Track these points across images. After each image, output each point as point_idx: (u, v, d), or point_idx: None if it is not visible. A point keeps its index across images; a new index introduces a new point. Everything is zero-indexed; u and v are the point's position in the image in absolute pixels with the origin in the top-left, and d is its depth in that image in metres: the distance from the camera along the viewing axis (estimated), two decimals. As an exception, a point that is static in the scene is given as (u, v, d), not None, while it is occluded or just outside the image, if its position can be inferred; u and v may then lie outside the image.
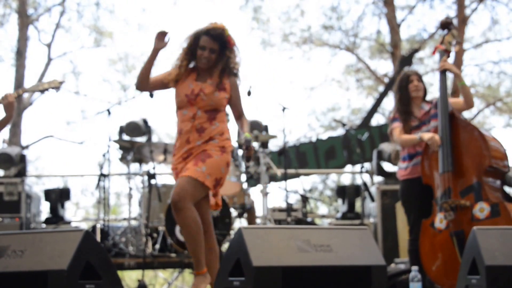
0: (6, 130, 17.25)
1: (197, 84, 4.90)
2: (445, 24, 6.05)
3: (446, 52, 5.95)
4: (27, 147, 18.83)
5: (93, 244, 3.74)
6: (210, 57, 4.89)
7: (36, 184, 17.44)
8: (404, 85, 5.97)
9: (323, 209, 19.96)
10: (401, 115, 5.91)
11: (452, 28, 6.02)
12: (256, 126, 8.32)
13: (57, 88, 5.29)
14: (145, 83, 4.95)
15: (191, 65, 5.04)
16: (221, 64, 4.92)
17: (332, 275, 3.66)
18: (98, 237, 7.32)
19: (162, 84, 5.01)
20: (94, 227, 7.61)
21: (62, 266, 3.46)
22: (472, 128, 5.67)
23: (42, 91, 5.28)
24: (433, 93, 15.22)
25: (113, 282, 3.82)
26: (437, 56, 6.02)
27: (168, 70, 5.02)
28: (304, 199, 8.39)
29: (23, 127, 18.30)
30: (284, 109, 7.25)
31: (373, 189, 8.85)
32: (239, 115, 5.03)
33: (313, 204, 19.41)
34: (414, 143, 5.83)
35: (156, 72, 5.06)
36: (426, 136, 5.66)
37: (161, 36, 4.89)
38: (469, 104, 5.84)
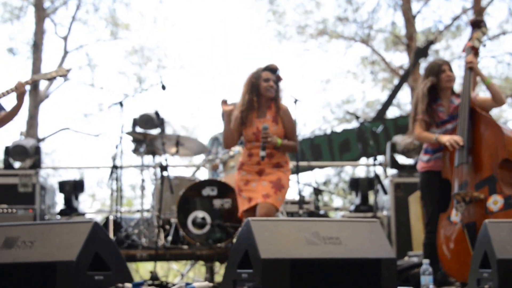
0: (23, 122, 17.44)
1: (259, 121, 5.81)
2: (476, 23, 5.99)
3: (473, 49, 5.89)
4: (43, 139, 18.92)
5: (102, 236, 3.76)
6: (274, 86, 5.82)
7: (53, 176, 17.52)
8: (435, 74, 5.82)
9: (338, 202, 19.93)
10: (425, 106, 5.80)
11: (482, 26, 5.96)
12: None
13: (64, 76, 5.37)
14: (232, 142, 5.95)
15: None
16: (277, 97, 5.87)
17: (341, 268, 3.64)
18: (111, 229, 7.33)
19: (240, 132, 5.91)
20: (107, 219, 7.63)
21: (71, 257, 3.48)
22: (491, 122, 5.63)
23: (50, 79, 5.34)
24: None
25: (122, 274, 3.83)
26: (466, 54, 5.95)
27: (235, 118, 5.88)
28: (317, 192, 8.36)
29: (40, 120, 18.38)
30: (296, 101, 7.21)
31: (386, 182, 8.82)
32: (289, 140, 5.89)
33: (328, 197, 19.41)
34: (430, 142, 5.78)
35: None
36: (444, 139, 5.61)
37: (224, 103, 5.89)
38: (498, 102, 5.73)
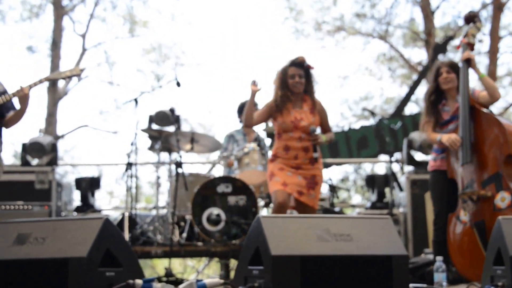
0: (42, 119, 17.53)
1: (296, 112, 6.00)
2: (469, 18, 5.99)
3: (468, 46, 5.90)
4: (62, 136, 19.02)
5: (113, 232, 3.76)
6: (301, 81, 6.00)
7: (72, 173, 17.61)
8: (435, 78, 5.95)
9: (356, 199, 19.88)
10: (429, 108, 5.88)
11: (477, 21, 5.95)
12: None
13: (78, 75, 5.37)
14: (251, 120, 6.10)
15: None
16: (310, 88, 6.07)
17: (352, 265, 3.62)
18: (126, 226, 7.35)
19: (268, 115, 6.12)
20: (123, 216, 7.66)
21: (82, 254, 3.48)
22: (492, 119, 5.62)
23: (64, 79, 5.35)
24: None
25: (133, 270, 3.83)
26: (461, 50, 5.96)
27: (267, 104, 6.12)
28: (332, 189, 8.34)
29: (59, 117, 18.48)
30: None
31: (403, 179, 8.78)
32: (325, 131, 6.17)
33: (347, 194, 19.36)
34: (434, 142, 5.86)
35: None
36: (445, 138, 5.66)
37: (254, 83, 6.03)
38: (493, 97, 5.71)
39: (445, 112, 5.86)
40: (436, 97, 5.93)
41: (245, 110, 6.10)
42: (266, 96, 6.27)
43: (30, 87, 5.13)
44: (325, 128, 6.17)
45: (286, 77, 6.02)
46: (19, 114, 5.22)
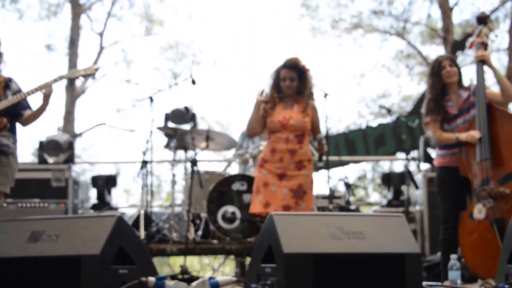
0: (60, 117, 17.63)
1: (286, 112, 5.85)
2: (482, 19, 5.96)
3: (483, 45, 5.86)
4: (80, 134, 19.11)
5: (126, 230, 3.78)
6: (291, 85, 5.86)
7: (90, 171, 17.70)
8: (436, 72, 5.82)
9: (374, 197, 19.83)
10: (434, 106, 5.78)
11: (489, 22, 5.93)
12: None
13: (92, 74, 5.37)
14: (254, 131, 5.98)
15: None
16: (303, 90, 5.87)
17: (365, 263, 3.61)
18: (142, 224, 7.38)
19: (264, 119, 5.91)
20: (139, 214, 7.69)
21: (95, 251, 3.50)
22: (507, 116, 5.61)
23: (78, 78, 5.36)
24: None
25: (146, 268, 3.85)
26: (474, 50, 5.92)
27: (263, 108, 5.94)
28: (348, 186, 8.32)
29: (76, 115, 18.57)
30: (326, 95, 7.19)
31: (419, 176, 8.74)
32: (316, 132, 5.94)
33: (365, 192, 19.31)
34: (451, 143, 5.72)
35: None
36: (463, 136, 5.60)
37: (261, 93, 5.94)
38: (507, 96, 5.68)
39: (449, 107, 5.80)
40: (439, 92, 5.86)
41: (249, 120, 5.99)
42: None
43: (55, 81, 5.16)
44: (316, 131, 5.96)
45: (278, 79, 5.90)
46: (39, 112, 5.26)
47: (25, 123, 5.32)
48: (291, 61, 5.89)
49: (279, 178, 5.78)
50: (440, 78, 5.79)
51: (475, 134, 5.54)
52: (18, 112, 5.25)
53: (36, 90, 5.14)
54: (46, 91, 5.13)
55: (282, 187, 5.75)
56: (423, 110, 5.93)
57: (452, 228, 5.68)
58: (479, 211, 5.51)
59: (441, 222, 5.88)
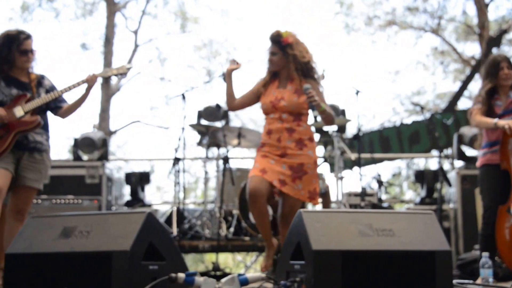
0: (96, 115, 17.79)
1: (279, 91, 5.37)
2: None
3: None
4: (115, 132, 19.27)
5: (156, 226, 3.80)
6: (272, 59, 5.40)
7: (124, 169, 17.84)
8: (494, 72, 5.76)
9: (409, 194, 19.73)
10: (485, 102, 5.73)
11: None
12: (333, 110, 8.24)
13: (124, 74, 5.41)
14: (232, 103, 5.52)
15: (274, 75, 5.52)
16: (293, 65, 5.34)
17: (394, 260, 3.59)
18: (175, 220, 7.43)
19: (255, 96, 5.52)
20: (172, 211, 7.74)
21: (125, 247, 3.52)
22: None
23: (111, 77, 5.41)
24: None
25: (176, 264, 3.87)
26: None
27: (254, 86, 5.56)
28: (380, 184, 8.28)
29: (111, 112, 18.73)
30: (357, 92, 7.16)
31: (453, 174, 8.67)
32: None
33: (399, 189, 19.18)
34: (489, 127, 5.64)
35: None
36: (502, 122, 5.50)
37: (233, 62, 5.51)
38: None
39: (497, 107, 5.75)
40: (490, 92, 5.80)
41: (225, 93, 5.56)
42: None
43: (99, 75, 5.24)
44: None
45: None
46: (79, 103, 5.32)
47: (64, 115, 5.38)
48: (273, 33, 5.42)
49: (280, 156, 5.33)
50: (496, 79, 5.73)
51: None
52: (57, 105, 5.32)
53: (70, 88, 5.21)
54: (92, 82, 5.21)
55: (282, 163, 5.30)
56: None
57: (492, 224, 5.61)
58: None
59: (482, 217, 5.83)
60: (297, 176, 5.28)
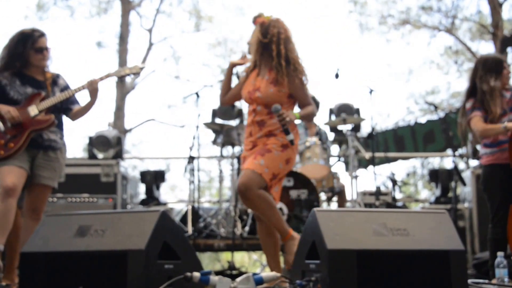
0: (111, 113, 17.84)
1: (257, 80, 4.94)
2: None
3: None
4: (130, 130, 19.32)
5: (170, 225, 3.80)
6: (249, 42, 5.04)
7: (140, 167, 17.90)
8: (499, 70, 5.64)
9: (425, 193, 19.67)
10: (483, 104, 5.63)
11: None
12: (347, 109, 8.26)
13: (137, 73, 5.41)
14: (223, 97, 5.19)
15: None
16: (269, 53, 4.89)
17: (408, 260, 3.58)
18: (190, 219, 7.44)
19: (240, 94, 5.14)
20: (187, 209, 7.76)
21: (141, 246, 3.53)
22: None
23: (124, 76, 5.40)
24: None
25: (192, 263, 3.88)
26: None
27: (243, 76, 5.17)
28: (394, 183, 8.28)
29: (126, 111, 18.79)
30: (371, 91, 7.15)
31: (468, 173, 8.64)
32: (303, 106, 4.95)
33: (414, 188, 19.13)
34: (498, 133, 5.48)
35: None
36: (510, 124, 5.44)
37: (244, 57, 5.14)
38: None
39: (506, 99, 5.70)
40: (491, 92, 5.72)
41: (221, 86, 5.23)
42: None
43: (101, 79, 5.23)
44: (302, 103, 4.94)
45: None
46: (87, 107, 5.33)
47: (74, 117, 5.40)
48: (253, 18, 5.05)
49: (251, 150, 4.93)
50: (500, 76, 5.66)
51: None
52: (68, 107, 5.34)
53: (83, 87, 5.22)
54: (91, 87, 5.20)
55: (251, 155, 4.86)
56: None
57: (501, 227, 5.54)
58: None
59: (491, 220, 5.75)
60: (261, 153, 4.79)
